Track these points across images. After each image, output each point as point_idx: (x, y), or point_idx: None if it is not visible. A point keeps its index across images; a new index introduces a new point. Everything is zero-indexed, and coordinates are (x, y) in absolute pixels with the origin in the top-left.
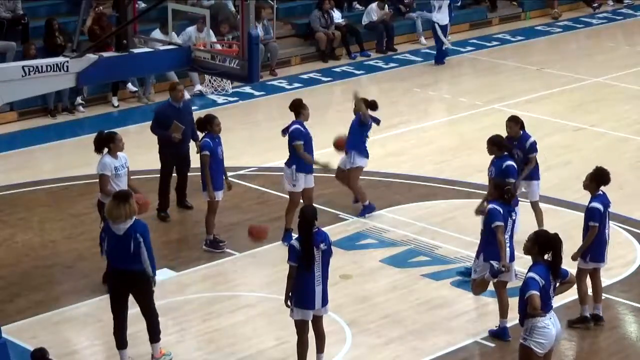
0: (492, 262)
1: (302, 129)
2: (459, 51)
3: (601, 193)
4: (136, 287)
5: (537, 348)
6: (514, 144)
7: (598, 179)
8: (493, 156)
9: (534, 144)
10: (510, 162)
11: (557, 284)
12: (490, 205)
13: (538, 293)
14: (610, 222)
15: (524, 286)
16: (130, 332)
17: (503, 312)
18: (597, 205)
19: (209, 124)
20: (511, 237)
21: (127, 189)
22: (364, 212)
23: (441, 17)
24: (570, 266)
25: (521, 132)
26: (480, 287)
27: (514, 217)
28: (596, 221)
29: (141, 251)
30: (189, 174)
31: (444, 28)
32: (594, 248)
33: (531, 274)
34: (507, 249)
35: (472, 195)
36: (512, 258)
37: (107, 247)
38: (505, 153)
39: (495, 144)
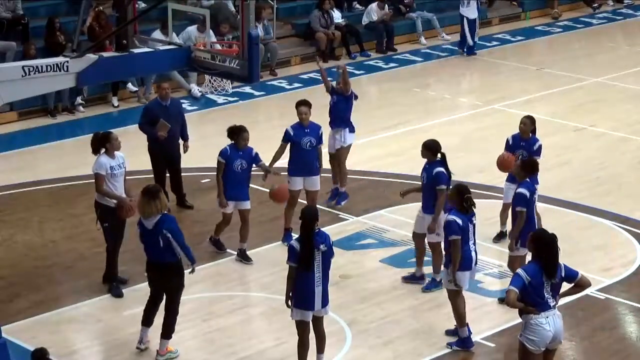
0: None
1: (291, 131)
2: (458, 51)
3: (527, 180)
4: (168, 279)
5: (529, 344)
6: (521, 144)
7: (529, 169)
8: (426, 160)
9: (541, 148)
10: (440, 169)
11: (558, 284)
12: (450, 217)
13: (515, 289)
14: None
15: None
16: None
17: (461, 321)
18: (523, 190)
19: (236, 135)
20: (474, 242)
21: (157, 185)
22: (342, 199)
23: (469, 11)
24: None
25: (531, 134)
26: (460, 296)
27: (474, 222)
28: (523, 206)
29: (172, 245)
30: (183, 173)
31: (472, 22)
32: (523, 234)
33: (519, 270)
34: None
35: (473, 195)
36: (469, 266)
37: (141, 240)
38: (438, 159)
39: (429, 148)
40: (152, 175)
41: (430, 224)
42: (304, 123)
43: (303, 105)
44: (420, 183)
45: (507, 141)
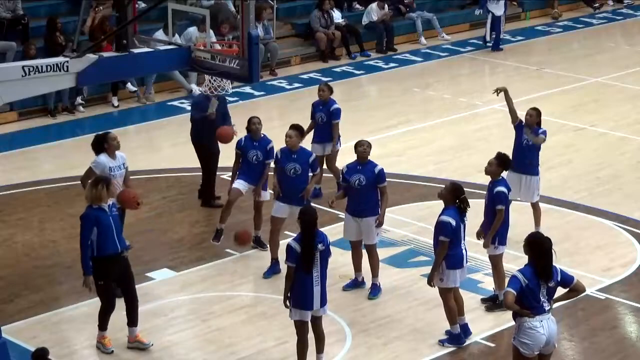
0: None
1: (279, 154)
2: (458, 51)
3: (502, 177)
4: None
5: (522, 348)
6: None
7: (503, 164)
8: (356, 161)
9: (544, 133)
10: (381, 167)
11: (553, 288)
12: (445, 218)
13: (513, 291)
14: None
15: (507, 283)
16: (146, 327)
17: (451, 318)
18: (503, 189)
19: (248, 123)
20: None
21: (106, 176)
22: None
23: (497, 7)
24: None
25: (536, 126)
26: (451, 294)
27: (465, 222)
28: (503, 204)
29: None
30: (185, 173)
31: (497, 19)
32: (501, 232)
33: (515, 272)
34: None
35: (473, 195)
36: (460, 264)
37: None
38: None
39: (370, 147)
40: (153, 175)
41: (380, 217)
42: (289, 147)
43: (290, 129)
44: (341, 187)
45: (519, 123)
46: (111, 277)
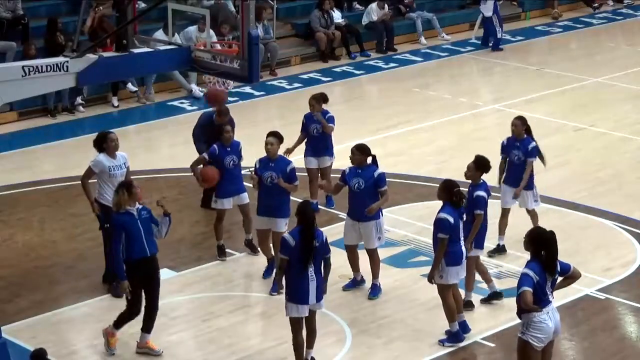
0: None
1: (257, 163)
2: (459, 51)
3: (483, 181)
4: None
5: (534, 342)
6: (516, 145)
7: (482, 167)
8: (353, 165)
9: (535, 149)
10: (380, 171)
11: (557, 279)
12: (442, 215)
13: (530, 289)
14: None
15: (518, 282)
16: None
17: (451, 316)
18: (482, 193)
19: (220, 133)
20: (463, 237)
21: (127, 181)
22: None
23: (485, 8)
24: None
25: (525, 135)
26: (449, 291)
27: (464, 218)
28: (482, 209)
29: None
30: (183, 174)
31: (488, 19)
32: (477, 236)
33: (525, 270)
34: (464, 253)
35: None
36: (459, 261)
37: None
38: (369, 162)
39: (365, 151)
40: (153, 175)
41: (375, 205)
42: (269, 155)
43: (270, 136)
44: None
45: (502, 144)
46: (139, 281)
